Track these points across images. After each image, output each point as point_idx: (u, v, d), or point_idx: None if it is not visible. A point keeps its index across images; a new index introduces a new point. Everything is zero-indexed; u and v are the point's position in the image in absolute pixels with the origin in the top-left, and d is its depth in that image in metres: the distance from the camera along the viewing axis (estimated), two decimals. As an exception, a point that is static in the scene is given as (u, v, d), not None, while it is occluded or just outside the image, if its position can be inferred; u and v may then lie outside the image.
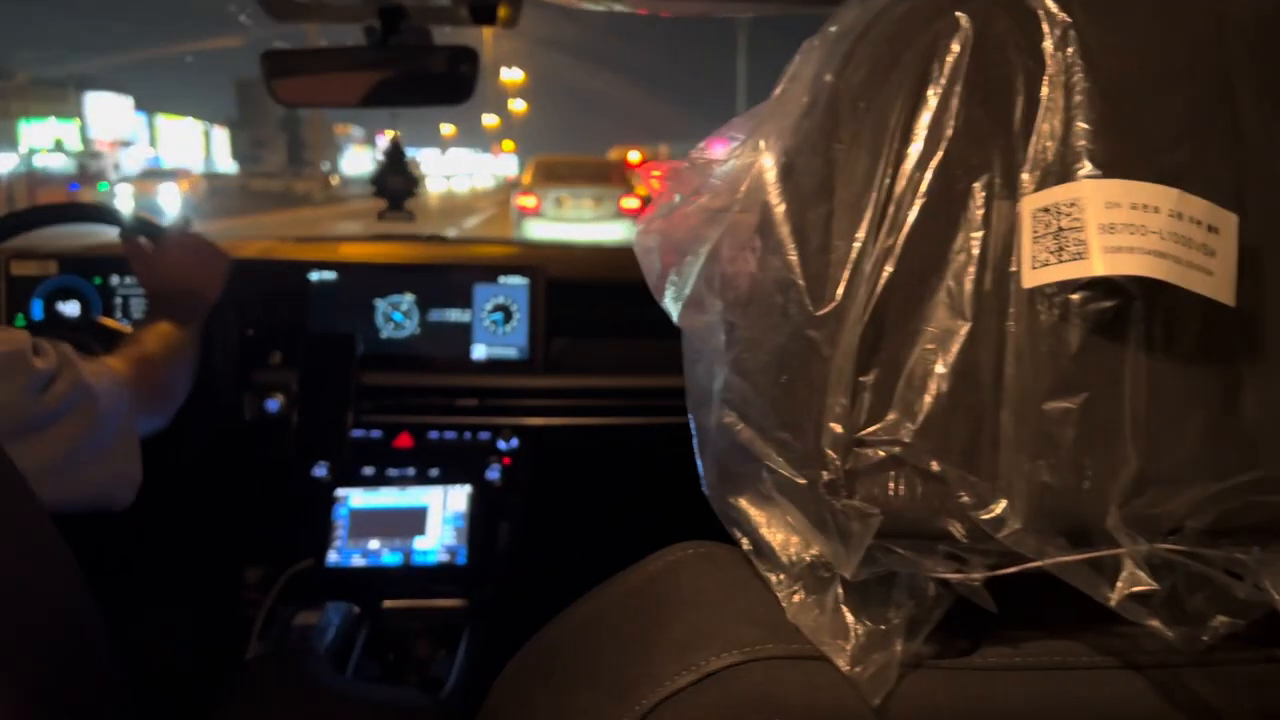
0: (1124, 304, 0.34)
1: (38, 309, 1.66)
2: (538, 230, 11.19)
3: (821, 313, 0.36)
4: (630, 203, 11.47)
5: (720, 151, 0.41)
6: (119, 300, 1.68)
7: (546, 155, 13.47)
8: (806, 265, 0.36)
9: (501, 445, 1.59)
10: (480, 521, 1.48)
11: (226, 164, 57.97)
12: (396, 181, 1.37)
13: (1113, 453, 0.35)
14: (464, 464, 1.56)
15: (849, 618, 0.39)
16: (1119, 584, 0.35)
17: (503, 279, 1.67)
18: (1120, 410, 0.35)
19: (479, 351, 1.67)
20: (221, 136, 62.11)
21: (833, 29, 0.39)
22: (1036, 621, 0.41)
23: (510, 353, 1.67)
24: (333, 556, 1.43)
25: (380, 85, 1.31)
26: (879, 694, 0.38)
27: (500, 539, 1.49)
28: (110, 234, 1.46)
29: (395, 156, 1.37)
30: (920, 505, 0.36)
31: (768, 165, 0.39)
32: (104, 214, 1.37)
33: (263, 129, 64.79)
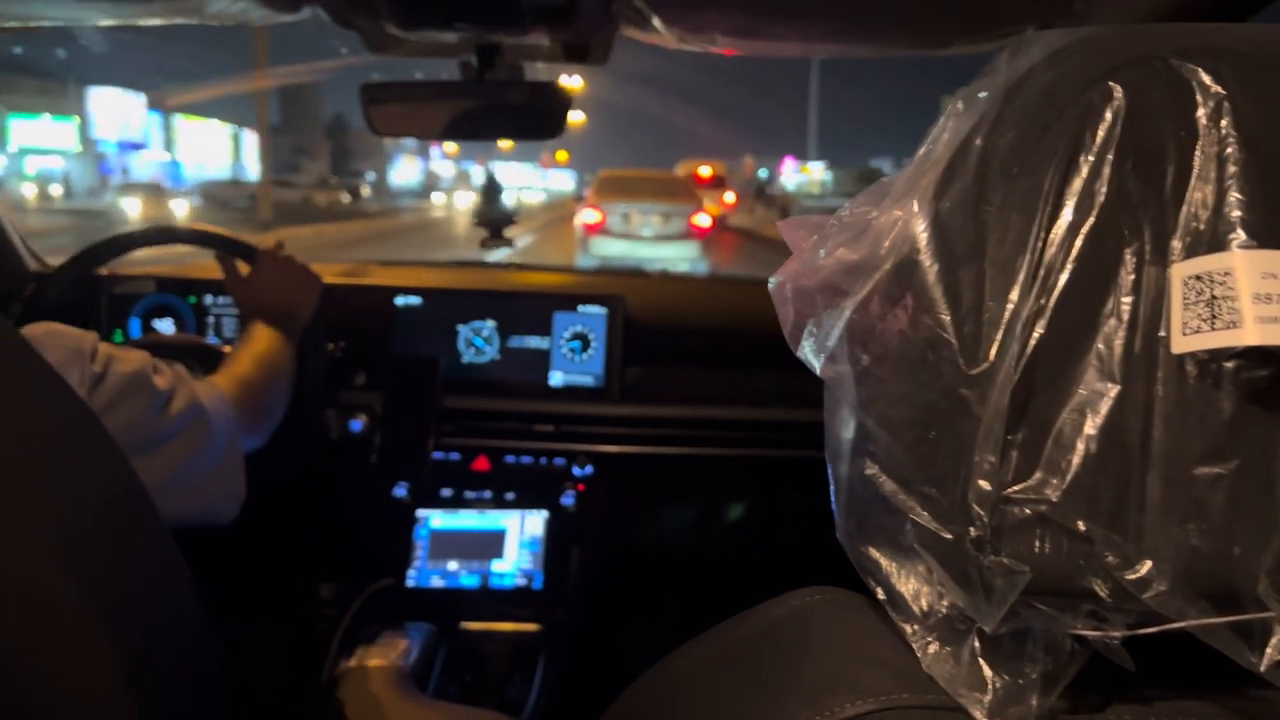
0: (1277, 373, 0.35)
1: (135, 327, 1.73)
2: (603, 248, 10.87)
3: (974, 371, 0.37)
4: (701, 220, 11.19)
5: (864, 209, 0.43)
6: (212, 319, 1.75)
7: (612, 170, 13.04)
8: (959, 324, 0.37)
9: (576, 471, 1.62)
10: (555, 546, 1.50)
11: (257, 170, 56.43)
12: (495, 212, 1.41)
13: (1264, 519, 0.35)
14: (539, 489, 1.58)
15: (986, 670, 0.40)
16: (1269, 649, 0.35)
17: (582, 308, 1.70)
18: (1273, 477, 0.35)
19: (556, 378, 1.69)
20: (254, 141, 57.79)
21: (981, 93, 0.41)
22: (1171, 682, 0.41)
23: (587, 380, 1.70)
24: (412, 576, 1.46)
25: (474, 119, 1.35)
26: None
27: (574, 564, 1.51)
28: (206, 255, 1.52)
29: (492, 189, 1.41)
30: (1065, 563, 0.37)
31: (918, 225, 0.40)
32: (203, 237, 1.43)
33: (306, 135, 63.20)
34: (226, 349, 1.32)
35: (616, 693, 0.56)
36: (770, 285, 0.46)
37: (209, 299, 1.74)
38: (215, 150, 51.34)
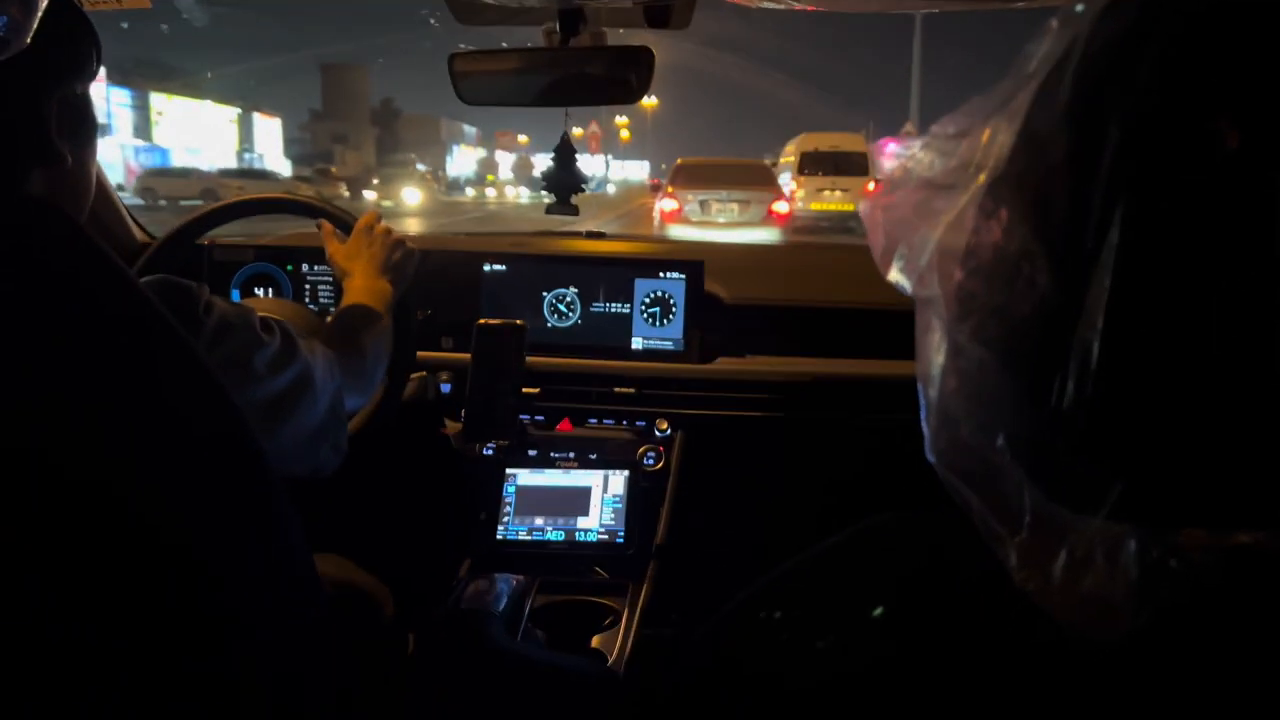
0: None
1: (235, 294, 1.81)
2: (679, 236, 10.34)
3: (1068, 282, 0.37)
4: (780, 206, 11.06)
5: (956, 128, 0.43)
6: (307, 287, 1.82)
7: (690, 157, 12.90)
8: (1053, 236, 0.38)
9: (657, 433, 1.64)
10: (638, 504, 1.53)
11: (275, 160, 48.17)
12: (565, 178, 1.43)
13: None
14: (621, 449, 1.62)
15: (1077, 585, 0.41)
16: None
17: (662, 274, 1.72)
18: None
19: (637, 343, 1.72)
20: (269, 126, 50.54)
21: (1078, 7, 0.41)
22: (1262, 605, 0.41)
23: (667, 344, 1.72)
24: (501, 530, 1.51)
25: (558, 85, 1.37)
26: (1105, 653, 0.39)
27: (656, 522, 1.54)
28: (301, 225, 1.59)
29: (565, 153, 1.43)
30: (1162, 477, 0.37)
31: (1013, 139, 0.40)
32: (304, 207, 1.49)
33: (349, 121, 58.58)
34: (328, 316, 1.38)
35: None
36: (860, 209, 0.47)
37: (305, 267, 1.81)
38: (213, 135, 44.16)
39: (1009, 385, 0.40)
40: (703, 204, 11.00)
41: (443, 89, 1.41)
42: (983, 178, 0.41)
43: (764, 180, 11.98)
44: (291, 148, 55.25)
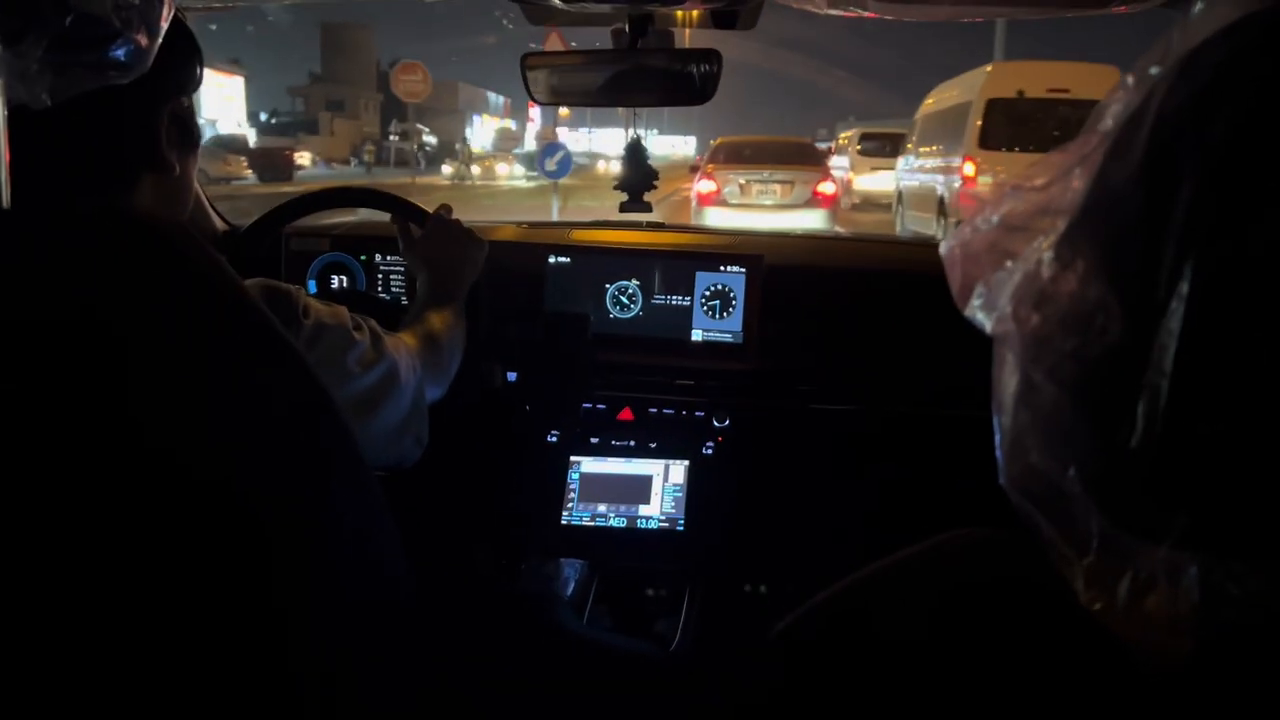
0: None
1: (312, 284, 1.88)
2: (717, 219, 9.67)
3: (1143, 334, 0.40)
4: (826, 187, 10.00)
5: (1036, 177, 0.47)
6: (380, 276, 1.89)
7: (729, 136, 12.09)
8: (1127, 288, 0.41)
9: (716, 424, 1.68)
10: (698, 493, 1.58)
11: (230, 127, 34.98)
12: (637, 177, 1.47)
13: None
14: (681, 439, 1.66)
15: (1142, 609, 0.44)
16: None
17: (723, 268, 1.75)
18: None
19: (697, 335, 1.76)
20: (228, 87, 38.09)
21: (1152, 69, 0.44)
22: None
23: (726, 337, 1.75)
24: (566, 516, 1.57)
25: (627, 86, 1.41)
26: (1168, 673, 0.43)
27: (715, 511, 1.58)
28: (375, 216, 1.65)
29: (636, 154, 1.47)
30: (1227, 512, 0.41)
31: (1088, 192, 0.43)
32: (379, 200, 1.55)
33: (351, 87, 50.23)
34: (404, 302, 1.43)
35: (758, 630, 0.62)
36: (941, 250, 0.51)
37: (378, 257, 1.87)
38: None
39: (1080, 422, 0.43)
40: (742, 186, 10.03)
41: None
42: (1060, 227, 0.44)
43: (809, 159, 10.98)
44: (281, 115, 47.47)
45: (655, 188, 1.49)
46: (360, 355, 0.99)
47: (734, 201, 9.91)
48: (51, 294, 0.64)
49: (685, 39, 1.55)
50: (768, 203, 9.90)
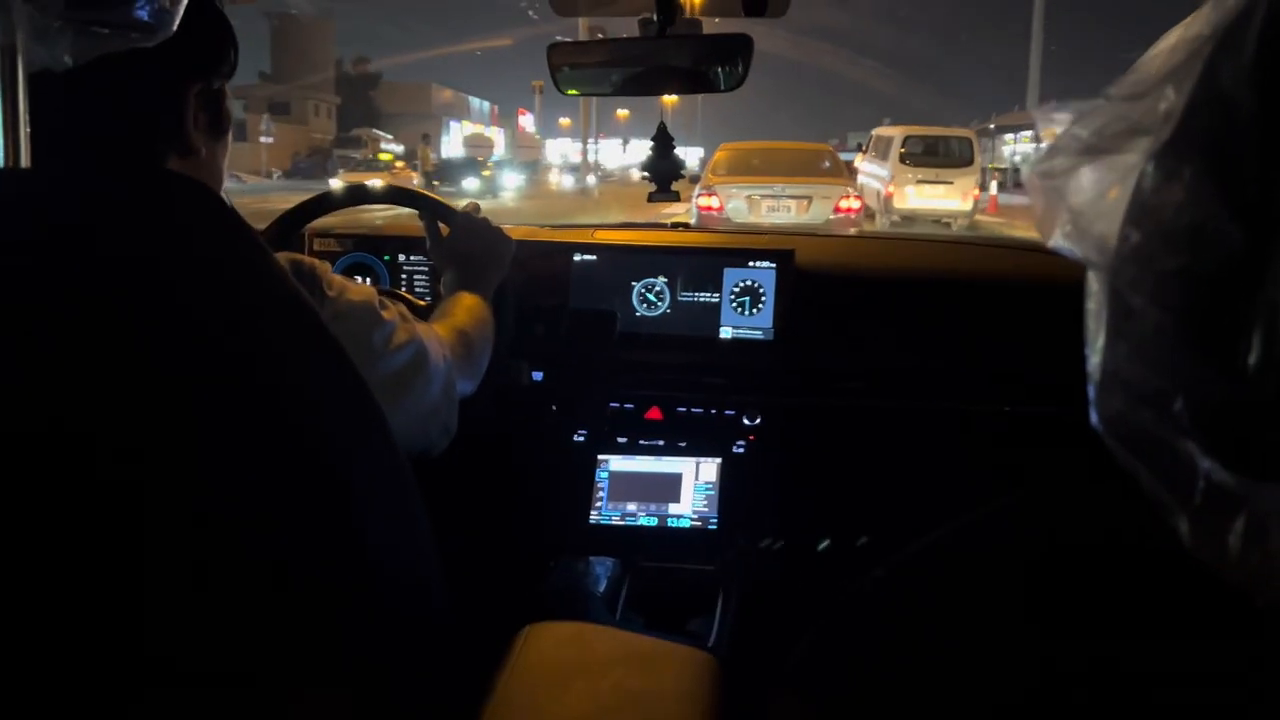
0: None
1: None
2: None
3: (1258, 247, 0.37)
4: (851, 204, 8.78)
5: (1126, 90, 0.43)
6: (404, 276, 1.86)
7: (735, 143, 10.61)
8: (1239, 196, 0.38)
9: (746, 421, 1.64)
10: (729, 491, 1.54)
11: None
12: (664, 166, 1.45)
13: None
14: (711, 437, 1.62)
15: (1256, 552, 0.40)
16: None
17: (752, 263, 1.72)
18: None
19: (726, 332, 1.72)
20: None
21: None
22: None
23: (756, 334, 1.72)
24: (594, 515, 1.53)
25: (656, 74, 1.39)
26: None
27: (747, 509, 1.54)
28: (399, 215, 1.63)
29: (663, 142, 1.45)
30: None
31: (1194, 97, 0.40)
32: (406, 197, 1.53)
33: (300, 88, 43.00)
34: (428, 301, 1.41)
35: (793, 628, 0.59)
36: (1024, 176, 0.47)
37: (401, 257, 1.85)
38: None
39: (1187, 348, 0.40)
40: (750, 201, 8.75)
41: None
42: (1160, 138, 0.40)
43: (829, 169, 9.62)
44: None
45: (683, 176, 1.46)
46: (388, 335, 0.97)
47: (739, 220, 8.67)
48: (102, 242, 0.63)
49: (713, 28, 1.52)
50: (780, 221, 8.62)
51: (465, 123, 53.78)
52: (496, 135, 51.76)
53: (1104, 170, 0.43)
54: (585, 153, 20.21)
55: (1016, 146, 28.35)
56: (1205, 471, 0.41)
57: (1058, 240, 0.45)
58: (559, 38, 1.49)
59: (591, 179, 26.54)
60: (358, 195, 1.61)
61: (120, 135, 0.80)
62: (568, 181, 26.43)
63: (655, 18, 1.38)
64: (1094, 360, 0.45)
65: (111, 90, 0.78)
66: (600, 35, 1.45)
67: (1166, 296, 0.40)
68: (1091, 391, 0.44)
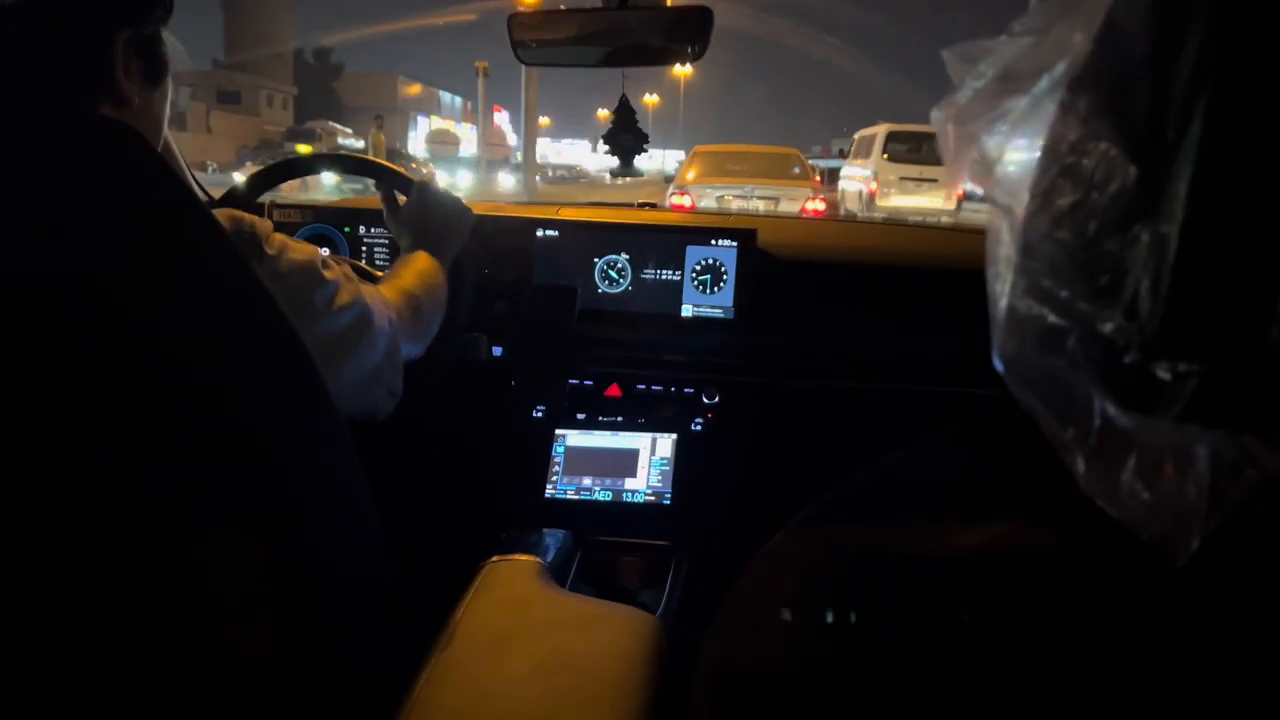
0: None
1: None
2: None
3: (1148, 181, 0.37)
4: (816, 206, 9.39)
5: (1029, 27, 0.43)
6: (364, 249, 1.85)
7: (708, 145, 11.16)
8: (1134, 134, 0.38)
9: (705, 399, 1.65)
10: (684, 467, 1.54)
11: None
12: (627, 139, 1.44)
13: None
14: (669, 415, 1.62)
15: (1147, 491, 0.40)
16: None
17: (714, 241, 1.72)
18: None
19: (687, 310, 1.72)
20: None
21: None
22: None
23: (717, 312, 1.72)
24: (550, 489, 1.53)
25: (618, 45, 1.38)
26: (1180, 558, 0.39)
27: (702, 486, 1.55)
28: (358, 187, 1.61)
29: (625, 114, 1.44)
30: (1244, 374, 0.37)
31: (1092, 35, 0.40)
32: (365, 166, 1.51)
33: (253, 76, 41.13)
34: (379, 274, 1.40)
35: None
36: (932, 118, 0.47)
37: (362, 229, 1.84)
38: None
39: (1082, 283, 0.40)
40: (721, 201, 9.32)
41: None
42: (1060, 76, 0.41)
43: (796, 172, 10.26)
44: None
45: (645, 151, 1.46)
46: (330, 295, 0.96)
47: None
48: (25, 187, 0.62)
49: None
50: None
51: (434, 118, 51.94)
52: (468, 132, 49.19)
53: (1007, 109, 0.43)
54: (530, 148, 19.12)
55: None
56: (1100, 409, 0.42)
57: (967, 181, 0.45)
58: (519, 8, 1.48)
59: (539, 180, 24.97)
60: (316, 163, 1.60)
61: (43, 86, 0.79)
62: (509, 182, 24.33)
63: (617, -11, 1.38)
64: (1000, 302, 0.45)
65: (32, 40, 0.77)
66: (561, 7, 1.44)
67: (1062, 232, 0.40)
68: (992, 334, 0.44)
